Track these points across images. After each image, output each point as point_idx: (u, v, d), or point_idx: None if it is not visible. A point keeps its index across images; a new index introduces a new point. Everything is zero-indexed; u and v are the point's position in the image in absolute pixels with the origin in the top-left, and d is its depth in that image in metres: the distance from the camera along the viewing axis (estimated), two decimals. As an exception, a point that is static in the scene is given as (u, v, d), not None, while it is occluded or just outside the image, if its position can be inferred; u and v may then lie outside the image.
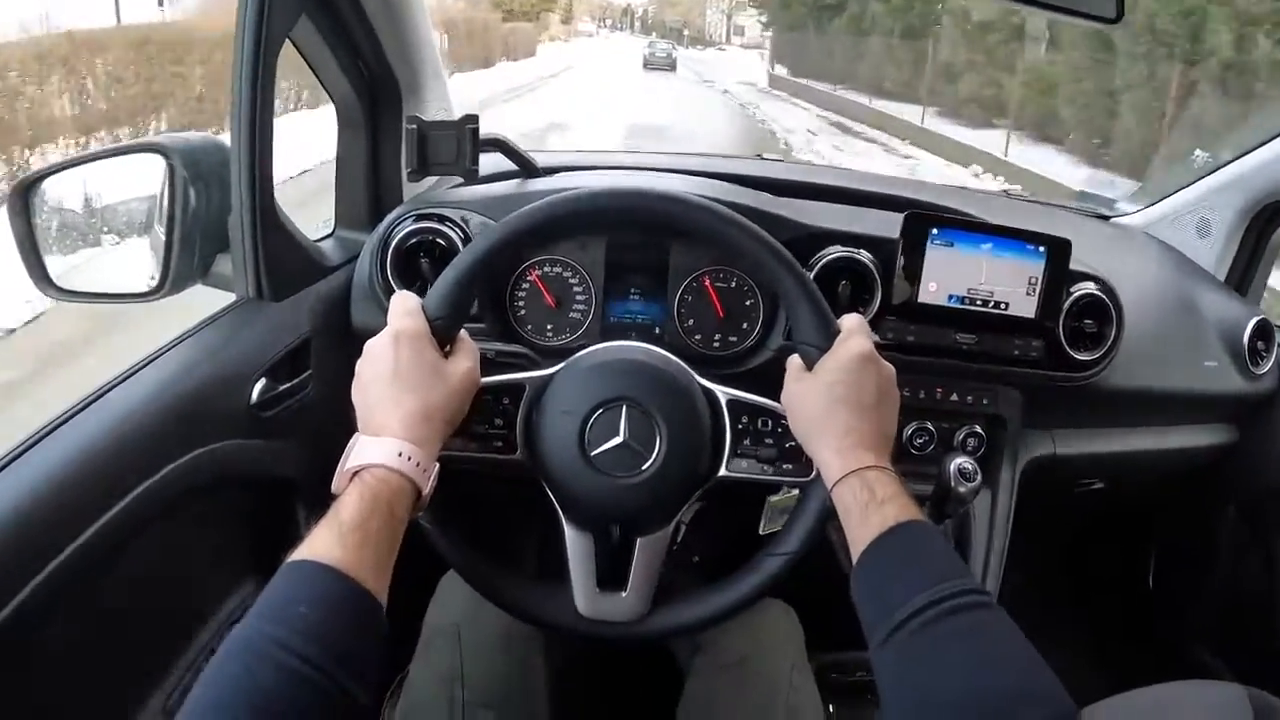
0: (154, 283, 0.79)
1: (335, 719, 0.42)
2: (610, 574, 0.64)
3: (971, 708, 0.43)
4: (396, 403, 0.54)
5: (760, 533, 0.75)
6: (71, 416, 0.63)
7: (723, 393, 0.64)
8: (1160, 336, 1.01)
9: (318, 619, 0.43)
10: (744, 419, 0.63)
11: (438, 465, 0.55)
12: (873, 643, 0.49)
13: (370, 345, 0.57)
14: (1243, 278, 1.17)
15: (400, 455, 0.52)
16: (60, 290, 0.78)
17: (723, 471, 0.63)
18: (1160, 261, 1.17)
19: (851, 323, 0.61)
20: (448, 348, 0.59)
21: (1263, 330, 1.06)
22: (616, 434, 0.60)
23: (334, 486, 0.52)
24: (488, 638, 0.72)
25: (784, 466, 0.63)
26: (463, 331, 0.60)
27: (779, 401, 0.62)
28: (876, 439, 0.57)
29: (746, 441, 0.63)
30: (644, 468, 0.60)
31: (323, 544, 0.46)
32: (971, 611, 0.46)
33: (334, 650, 0.42)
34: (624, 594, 0.63)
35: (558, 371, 0.64)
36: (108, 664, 0.66)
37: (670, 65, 24.31)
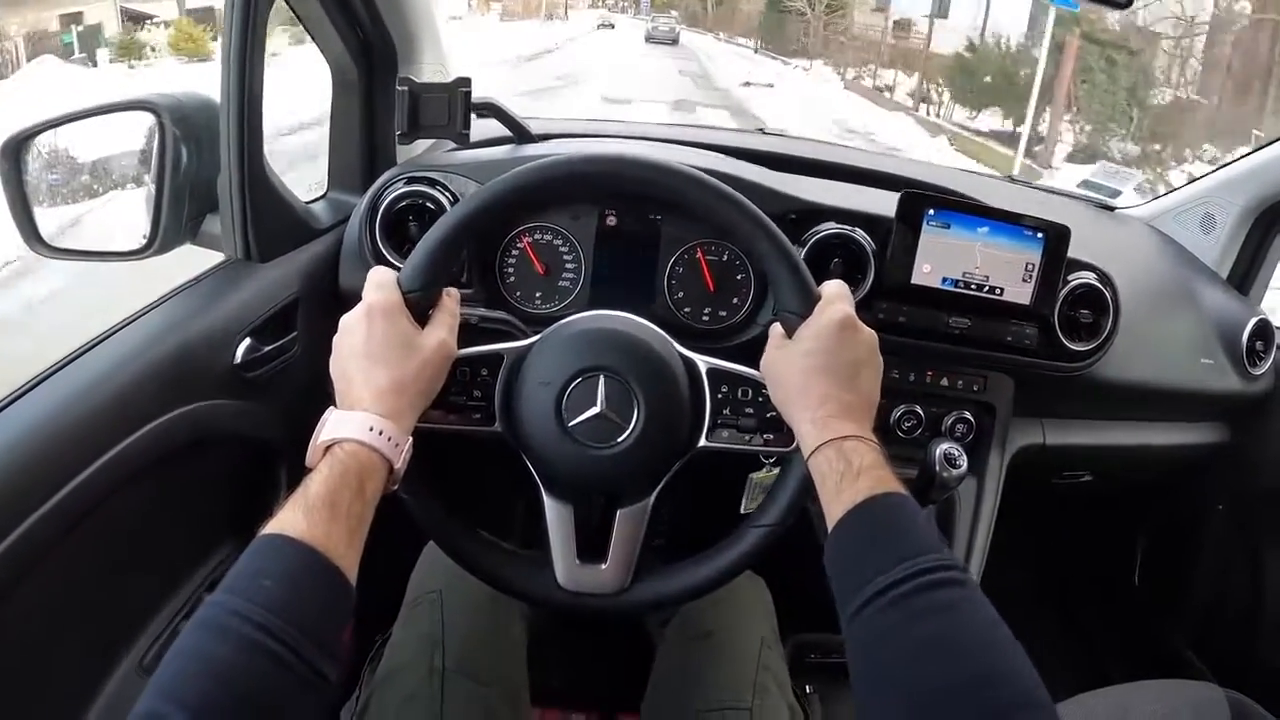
0: (144, 241, 0.79)
1: (299, 691, 0.42)
2: (591, 546, 0.64)
3: (938, 687, 0.42)
4: (368, 377, 0.54)
5: (742, 510, 0.75)
6: (52, 374, 0.63)
7: (703, 362, 0.63)
8: (1157, 331, 1.00)
9: (281, 592, 0.43)
10: (724, 388, 0.62)
11: (411, 439, 0.55)
12: (843, 617, 0.48)
13: (345, 320, 0.57)
14: (1245, 276, 1.16)
15: (372, 430, 0.51)
16: (51, 248, 0.77)
17: (703, 442, 0.62)
18: (1161, 255, 1.15)
19: (832, 289, 0.60)
20: (427, 319, 0.59)
21: (1262, 330, 1.04)
22: (594, 404, 0.60)
23: (308, 460, 0.52)
24: (469, 604, 0.73)
25: (765, 437, 0.62)
26: (446, 300, 0.60)
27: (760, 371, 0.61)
28: (856, 408, 0.56)
29: (727, 411, 0.62)
30: (622, 438, 0.60)
31: (290, 518, 0.46)
32: (944, 588, 0.45)
33: (296, 623, 0.42)
34: (604, 566, 0.63)
35: (535, 342, 0.63)
36: (83, 623, 0.66)
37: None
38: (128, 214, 0.83)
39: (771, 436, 0.62)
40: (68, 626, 0.64)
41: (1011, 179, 1.23)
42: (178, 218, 0.78)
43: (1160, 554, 1.30)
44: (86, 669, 0.68)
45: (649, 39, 23.78)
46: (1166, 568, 1.29)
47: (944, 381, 0.89)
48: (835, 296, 0.59)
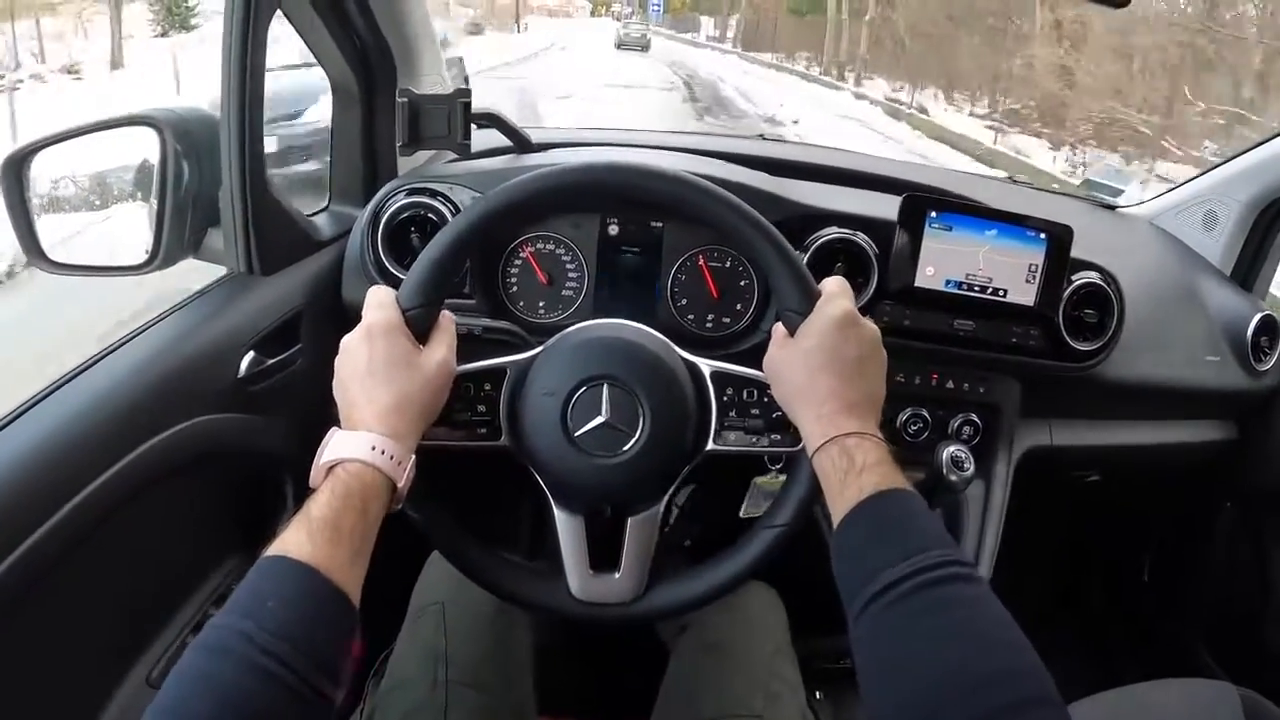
0: (146, 256, 0.79)
1: (302, 713, 0.42)
2: (603, 556, 0.63)
3: (945, 685, 0.41)
4: (370, 397, 0.54)
5: (740, 515, 0.74)
6: (57, 389, 0.62)
7: (706, 365, 0.63)
8: (1162, 329, 1.00)
9: (285, 615, 0.43)
10: (729, 391, 0.62)
11: (414, 458, 0.55)
12: (849, 615, 0.48)
13: (345, 341, 0.57)
14: (1248, 272, 1.15)
15: (374, 449, 0.51)
16: (53, 264, 0.77)
17: (710, 446, 0.62)
18: (1164, 253, 1.15)
19: (832, 285, 0.59)
20: (428, 337, 0.58)
21: (1267, 326, 1.04)
22: (599, 413, 0.59)
23: (311, 481, 0.52)
24: (472, 616, 0.72)
25: (773, 437, 0.62)
26: (443, 318, 0.60)
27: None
28: (860, 404, 0.55)
29: (733, 414, 0.62)
30: (628, 446, 0.60)
31: (294, 539, 0.46)
32: (951, 584, 0.45)
33: (301, 646, 0.42)
34: (617, 575, 0.63)
35: (538, 354, 0.63)
36: (92, 636, 0.66)
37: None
38: (130, 229, 0.84)
39: (779, 437, 0.62)
40: (76, 640, 0.64)
41: (1013, 180, 1.23)
42: (180, 232, 0.78)
43: (1170, 552, 1.29)
44: (95, 682, 0.67)
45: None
46: (1176, 566, 1.28)
47: (949, 384, 0.89)
48: (835, 293, 0.59)
